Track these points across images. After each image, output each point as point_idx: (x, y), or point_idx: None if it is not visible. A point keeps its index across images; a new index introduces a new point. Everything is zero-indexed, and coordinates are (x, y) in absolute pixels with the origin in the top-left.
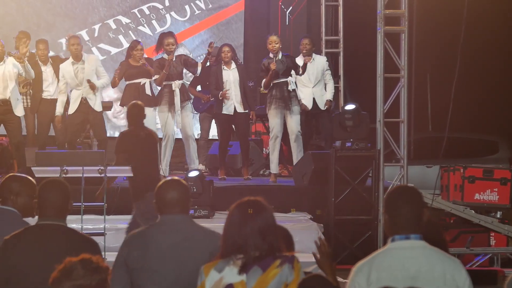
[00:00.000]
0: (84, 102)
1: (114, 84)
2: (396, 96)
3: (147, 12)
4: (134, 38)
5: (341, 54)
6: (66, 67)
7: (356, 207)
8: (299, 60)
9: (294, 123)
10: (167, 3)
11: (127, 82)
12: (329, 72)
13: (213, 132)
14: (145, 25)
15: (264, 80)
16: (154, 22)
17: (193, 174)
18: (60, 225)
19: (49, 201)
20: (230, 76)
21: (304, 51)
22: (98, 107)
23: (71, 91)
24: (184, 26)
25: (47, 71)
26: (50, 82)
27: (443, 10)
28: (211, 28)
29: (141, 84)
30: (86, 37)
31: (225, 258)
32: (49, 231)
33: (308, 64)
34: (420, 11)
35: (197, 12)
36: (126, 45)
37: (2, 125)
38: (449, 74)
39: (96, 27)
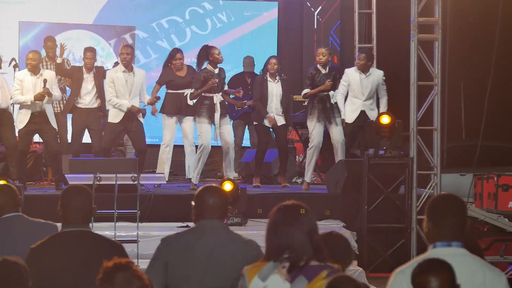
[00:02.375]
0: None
1: (155, 92)
2: (430, 104)
3: (166, 26)
4: (152, 53)
5: (374, 62)
6: (117, 74)
7: (389, 215)
8: (352, 72)
9: (338, 133)
10: (187, 17)
11: (169, 91)
12: (384, 87)
13: (246, 139)
14: (163, 39)
15: (307, 90)
16: (173, 36)
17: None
18: (85, 230)
19: (73, 207)
20: (274, 89)
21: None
22: (140, 117)
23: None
24: (204, 40)
25: (88, 79)
26: (89, 91)
27: (477, 18)
28: (239, 38)
29: (184, 94)
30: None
31: (269, 265)
32: (74, 238)
33: (364, 77)
34: (453, 19)
35: (218, 25)
36: (143, 60)
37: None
38: (483, 82)
39: (112, 42)
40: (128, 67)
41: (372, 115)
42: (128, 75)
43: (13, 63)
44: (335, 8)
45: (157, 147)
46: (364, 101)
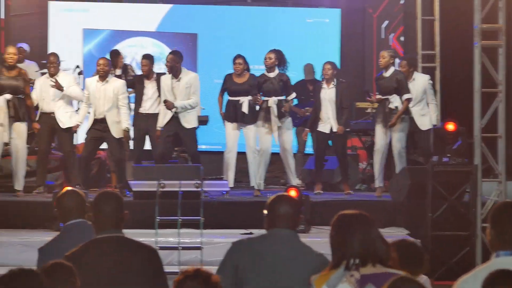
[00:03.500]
0: (175, 117)
1: (220, 99)
2: (494, 111)
3: (228, 33)
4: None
5: (438, 68)
6: (166, 81)
7: (454, 222)
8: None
9: (395, 140)
10: (249, 24)
11: (229, 97)
12: (432, 92)
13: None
14: (225, 47)
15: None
16: (234, 43)
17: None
18: (119, 236)
19: (105, 213)
20: (327, 94)
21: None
22: (188, 124)
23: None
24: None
25: (148, 85)
26: (149, 96)
27: None
28: (301, 46)
29: (240, 102)
30: None
31: (337, 274)
32: (109, 243)
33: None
34: None
35: (280, 32)
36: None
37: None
38: None
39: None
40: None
41: (423, 121)
42: (174, 80)
43: (77, 70)
44: (398, 14)
45: (220, 154)
46: (412, 107)
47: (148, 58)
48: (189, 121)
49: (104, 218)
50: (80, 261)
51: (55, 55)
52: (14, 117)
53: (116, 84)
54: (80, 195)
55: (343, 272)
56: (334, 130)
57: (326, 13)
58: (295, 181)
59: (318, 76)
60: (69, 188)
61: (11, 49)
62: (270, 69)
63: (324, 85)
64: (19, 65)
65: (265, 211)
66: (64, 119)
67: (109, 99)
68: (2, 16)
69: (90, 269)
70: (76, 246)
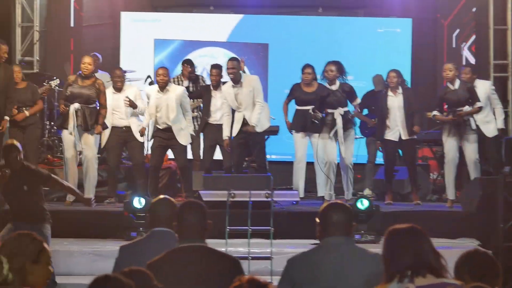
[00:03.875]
0: (245, 123)
1: (285, 107)
2: None
3: (298, 43)
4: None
5: (510, 78)
6: (228, 90)
7: None
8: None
9: (470, 151)
10: (320, 34)
11: (297, 107)
12: (496, 96)
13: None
14: (295, 57)
15: (436, 113)
16: (304, 53)
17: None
18: (202, 245)
19: (189, 222)
20: (395, 102)
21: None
22: (258, 128)
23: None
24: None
25: (217, 96)
26: (218, 107)
27: None
28: (372, 56)
29: (308, 111)
30: None
31: (392, 286)
32: (191, 253)
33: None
34: None
35: (351, 42)
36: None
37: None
38: None
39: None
40: (235, 81)
41: (488, 128)
42: (237, 88)
43: (149, 80)
44: (469, 24)
45: (290, 163)
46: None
47: (218, 68)
48: (260, 126)
49: (187, 227)
50: (162, 269)
51: (120, 69)
52: (82, 126)
53: (177, 92)
54: (172, 204)
55: (397, 285)
56: (403, 137)
57: (397, 23)
58: (349, 194)
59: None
60: (163, 196)
61: (86, 59)
62: (332, 81)
63: (390, 93)
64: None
65: (317, 220)
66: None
67: (172, 109)
68: (72, 25)
69: (171, 278)
70: (156, 252)
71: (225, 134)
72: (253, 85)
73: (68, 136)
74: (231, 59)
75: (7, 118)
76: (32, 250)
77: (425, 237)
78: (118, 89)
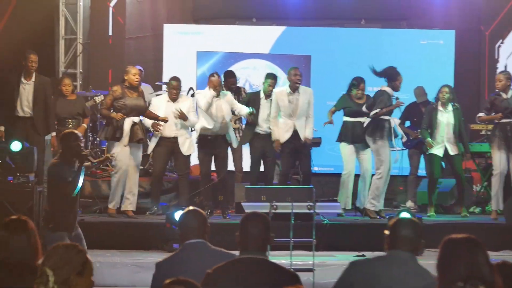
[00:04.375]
0: (295, 133)
1: (330, 114)
2: None
3: (341, 55)
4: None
5: None
6: (281, 96)
7: None
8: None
9: None
10: (364, 46)
11: (346, 119)
12: None
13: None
14: (339, 68)
15: (481, 114)
16: (347, 64)
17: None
18: (262, 258)
19: (251, 234)
20: (444, 117)
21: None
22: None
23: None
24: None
25: (265, 106)
26: (265, 118)
27: None
28: (414, 67)
29: (359, 122)
30: None
31: None
32: (250, 265)
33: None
34: None
35: (393, 54)
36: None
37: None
38: None
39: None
40: (293, 88)
41: None
42: (293, 96)
43: (191, 92)
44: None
45: (332, 175)
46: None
47: (275, 78)
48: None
49: (249, 238)
50: (220, 278)
51: (177, 79)
52: (142, 139)
53: (228, 98)
54: (202, 216)
55: None
56: (452, 153)
57: (440, 34)
58: (409, 203)
59: (430, 98)
60: (192, 207)
61: (136, 70)
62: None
63: (440, 108)
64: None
65: (386, 232)
66: (186, 144)
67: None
68: (115, 37)
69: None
70: (191, 265)
71: (276, 136)
72: (309, 99)
73: (123, 148)
74: (296, 68)
75: (53, 134)
76: (77, 262)
77: (482, 248)
78: (173, 99)
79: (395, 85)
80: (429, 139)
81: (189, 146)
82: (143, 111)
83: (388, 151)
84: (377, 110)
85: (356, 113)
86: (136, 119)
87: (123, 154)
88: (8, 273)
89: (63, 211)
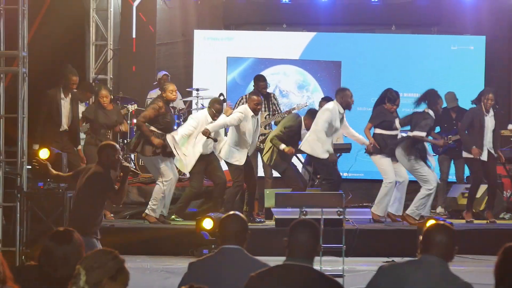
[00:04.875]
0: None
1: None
2: None
3: (371, 61)
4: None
5: None
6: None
7: None
8: None
9: None
10: (395, 52)
11: (378, 131)
12: None
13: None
14: (369, 75)
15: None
16: (376, 71)
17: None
18: (307, 266)
19: (299, 241)
20: (489, 122)
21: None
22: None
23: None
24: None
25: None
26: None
27: None
28: (445, 73)
29: (393, 135)
30: None
31: None
32: (295, 272)
33: None
34: None
35: (424, 59)
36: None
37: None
38: None
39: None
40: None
41: None
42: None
43: (221, 97)
44: None
45: (361, 181)
46: None
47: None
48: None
49: (296, 245)
50: (263, 283)
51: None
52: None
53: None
54: (242, 220)
55: None
56: (489, 158)
57: (471, 40)
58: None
59: (462, 104)
60: (233, 212)
61: (172, 87)
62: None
63: (485, 113)
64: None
65: (420, 237)
66: (224, 150)
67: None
68: (145, 43)
69: None
70: (224, 270)
71: (331, 150)
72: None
73: (170, 160)
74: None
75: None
76: (111, 266)
77: None
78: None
79: (436, 109)
80: (475, 147)
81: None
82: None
83: (425, 167)
84: (423, 135)
85: (392, 127)
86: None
87: (172, 166)
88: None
89: (98, 217)
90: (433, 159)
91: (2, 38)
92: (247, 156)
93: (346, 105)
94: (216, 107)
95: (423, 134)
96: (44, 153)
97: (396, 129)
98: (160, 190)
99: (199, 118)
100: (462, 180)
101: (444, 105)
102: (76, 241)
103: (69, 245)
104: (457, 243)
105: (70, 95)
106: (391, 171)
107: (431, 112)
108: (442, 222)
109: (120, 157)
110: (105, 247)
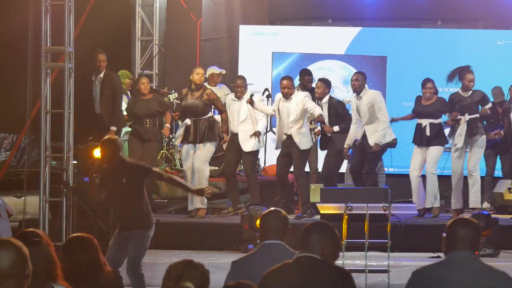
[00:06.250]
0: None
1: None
2: None
3: (416, 55)
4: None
5: None
6: (353, 100)
7: None
8: None
9: None
10: (437, 46)
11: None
12: None
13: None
14: (415, 69)
15: None
16: (422, 65)
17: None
18: (317, 258)
19: (312, 240)
20: None
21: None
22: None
23: None
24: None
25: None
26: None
27: None
28: (491, 68)
29: (423, 126)
30: None
31: None
32: (307, 265)
33: None
34: None
35: (470, 54)
36: (394, 90)
37: None
38: None
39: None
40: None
41: None
42: (356, 101)
43: (267, 93)
44: None
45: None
46: None
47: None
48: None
49: (309, 241)
50: (276, 279)
51: (242, 78)
52: (192, 142)
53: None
54: (284, 217)
55: None
56: None
57: None
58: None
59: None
60: (274, 208)
61: (199, 70)
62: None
63: None
64: (213, 88)
65: (444, 234)
66: (247, 141)
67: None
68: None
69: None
70: (266, 266)
71: (346, 142)
72: (371, 101)
73: (186, 148)
74: (356, 72)
75: (113, 128)
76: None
77: None
78: (238, 97)
79: (465, 85)
80: None
81: (250, 143)
82: (201, 111)
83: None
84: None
85: (420, 114)
86: (188, 121)
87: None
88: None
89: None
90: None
91: (49, 34)
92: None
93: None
94: (235, 82)
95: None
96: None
97: (422, 117)
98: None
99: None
100: (508, 175)
101: (491, 99)
102: (93, 247)
103: (84, 251)
104: (481, 236)
105: (103, 75)
106: (412, 163)
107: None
108: (464, 217)
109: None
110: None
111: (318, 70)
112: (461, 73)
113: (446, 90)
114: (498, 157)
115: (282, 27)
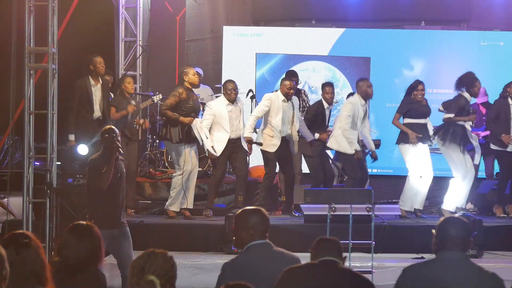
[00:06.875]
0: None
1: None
2: None
3: (398, 57)
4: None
5: None
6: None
7: None
8: None
9: None
10: (427, 47)
11: (413, 121)
12: None
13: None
14: (400, 69)
15: None
16: (405, 67)
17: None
18: (330, 259)
19: (323, 242)
20: None
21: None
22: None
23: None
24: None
25: (325, 112)
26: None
27: None
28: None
29: (421, 124)
30: None
31: None
32: (326, 268)
33: None
34: None
35: (451, 55)
36: (379, 91)
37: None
38: None
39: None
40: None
41: None
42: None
43: (251, 94)
44: None
45: (391, 178)
46: None
47: (331, 85)
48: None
49: (323, 247)
50: (293, 279)
51: (233, 81)
52: (192, 142)
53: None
54: (265, 216)
55: None
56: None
57: (501, 36)
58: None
59: (492, 100)
60: (255, 207)
61: (193, 71)
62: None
63: (511, 105)
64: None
65: (434, 232)
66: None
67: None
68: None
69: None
70: (254, 265)
71: (357, 147)
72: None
73: (188, 149)
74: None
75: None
76: (174, 272)
77: None
78: (232, 101)
79: (473, 91)
80: (504, 134)
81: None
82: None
83: (460, 155)
84: (451, 116)
85: (422, 114)
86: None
87: (194, 156)
88: (68, 272)
89: (102, 207)
90: (478, 155)
91: (33, 35)
92: (287, 146)
93: (365, 95)
94: (229, 86)
95: (451, 115)
96: (82, 149)
97: (423, 117)
98: (178, 182)
99: (215, 103)
100: (491, 176)
101: (474, 101)
102: (94, 235)
103: (87, 239)
104: (472, 235)
105: (101, 82)
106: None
107: (465, 95)
108: (455, 217)
109: (115, 138)
110: (156, 249)
111: (302, 71)
112: (469, 82)
113: (430, 91)
114: (482, 158)
115: (266, 28)
